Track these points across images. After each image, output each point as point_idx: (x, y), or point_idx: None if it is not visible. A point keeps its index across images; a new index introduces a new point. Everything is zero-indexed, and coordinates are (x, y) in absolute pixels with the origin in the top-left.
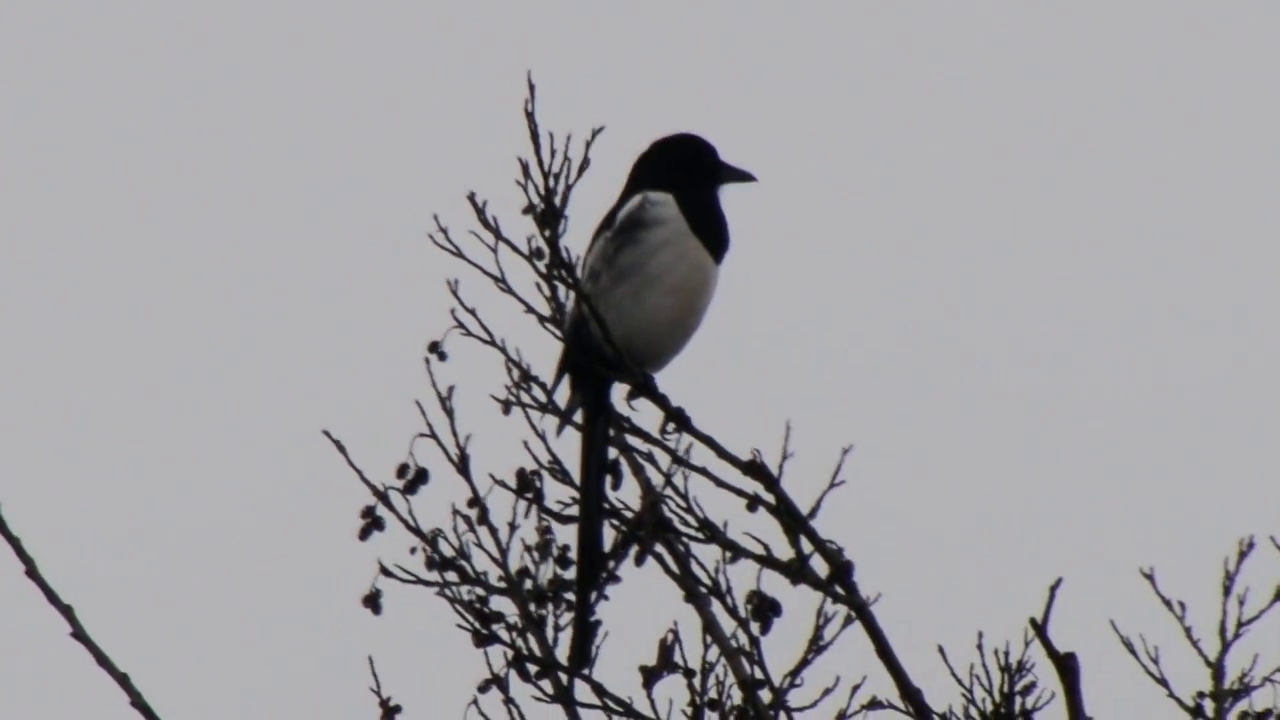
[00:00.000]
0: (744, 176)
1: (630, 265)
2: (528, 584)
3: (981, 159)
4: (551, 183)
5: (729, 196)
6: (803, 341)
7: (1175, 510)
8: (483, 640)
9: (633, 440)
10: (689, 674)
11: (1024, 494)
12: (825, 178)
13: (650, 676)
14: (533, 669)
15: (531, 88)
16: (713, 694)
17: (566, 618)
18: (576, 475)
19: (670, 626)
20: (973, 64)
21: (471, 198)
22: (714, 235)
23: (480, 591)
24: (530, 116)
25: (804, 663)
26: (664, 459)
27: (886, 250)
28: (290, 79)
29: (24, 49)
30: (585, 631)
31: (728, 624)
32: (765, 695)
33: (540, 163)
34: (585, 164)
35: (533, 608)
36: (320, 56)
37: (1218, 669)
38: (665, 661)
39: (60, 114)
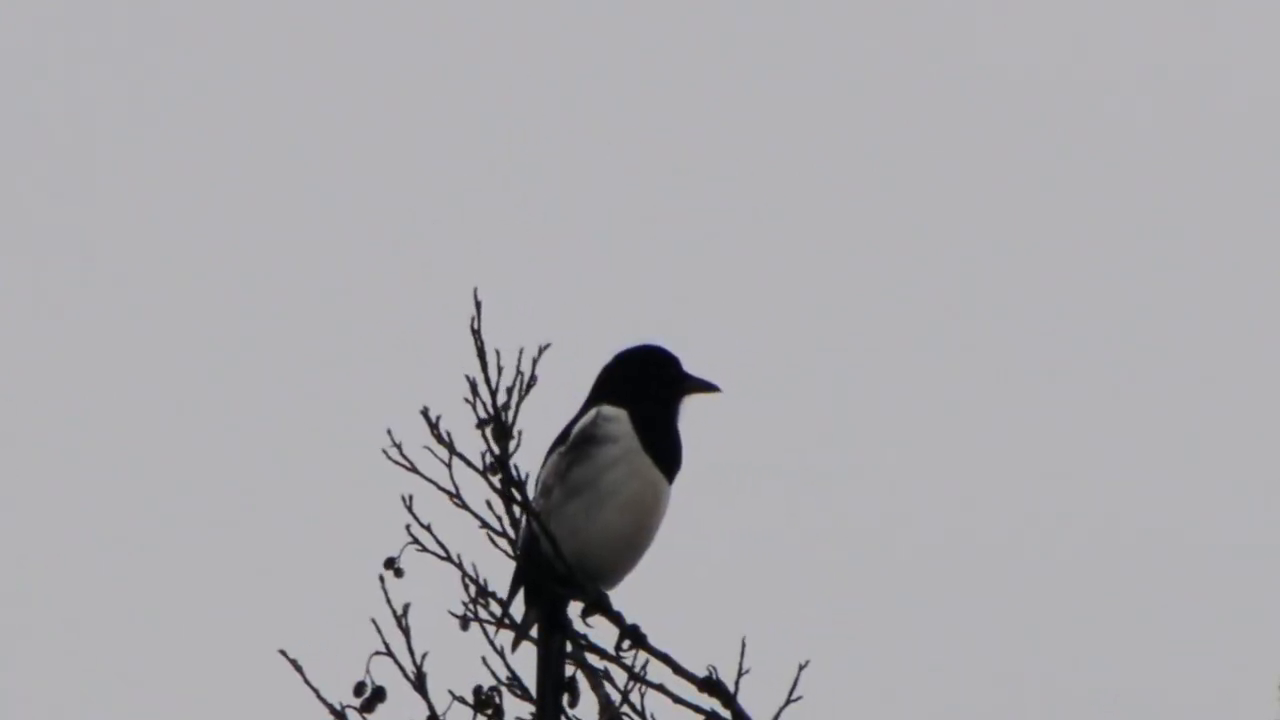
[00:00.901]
0: (707, 387)
1: (582, 481)
2: None
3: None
4: (501, 399)
5: (692, 407)
6: (757, 557)
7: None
8: None
9: (589, 657)
10: None
11: (984, 707)
12: (786, 366)
13: None
14: None
15: (478, 304)
16: None
17: None
18: (534, 691)
19: None
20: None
21: (425, 413)
22: (666, 453)
23: None
24: (476, 334)
25: None
26: (621, 676)
27: (836, 457)
28: (250, 288)
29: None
30: None
31: None
32: None
33: (488, 380)
34: (532, 381)
35: None
36: (277, 263)
37: None
38: None
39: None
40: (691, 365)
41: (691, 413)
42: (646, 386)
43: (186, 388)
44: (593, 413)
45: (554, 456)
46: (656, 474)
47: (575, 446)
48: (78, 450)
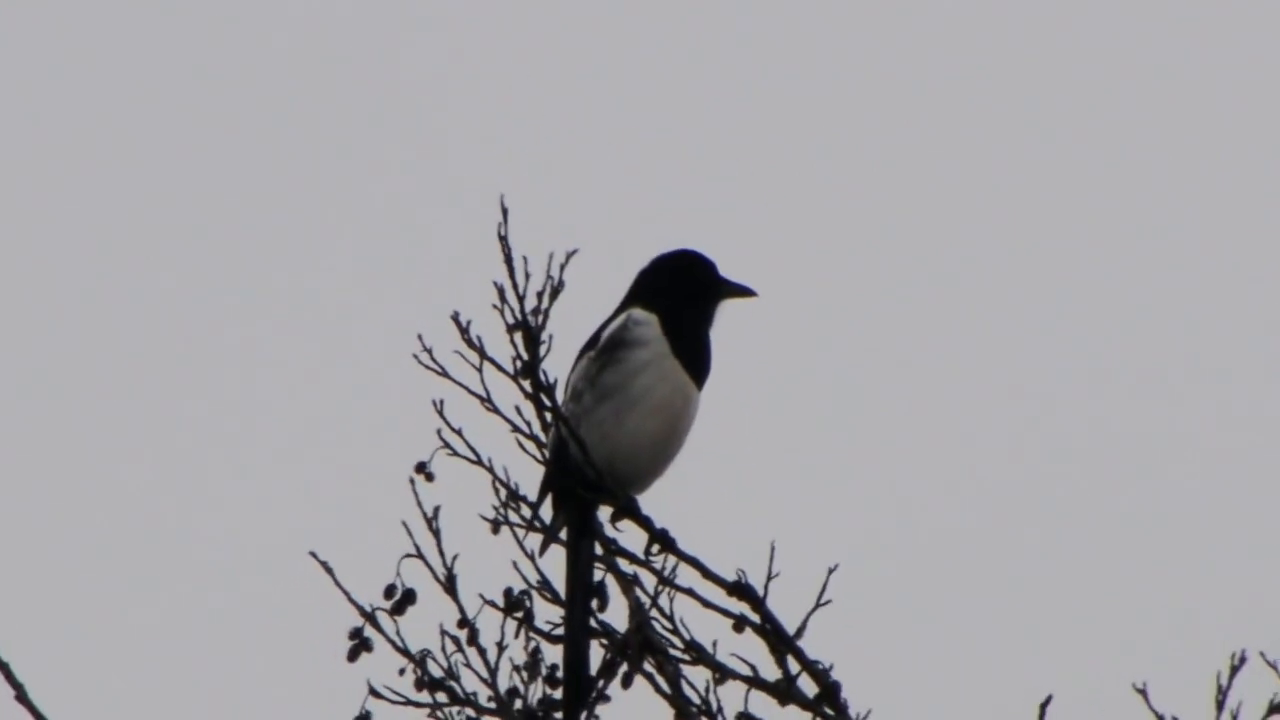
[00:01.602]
0: (743, 291)
1: (612, 386)
2: (517, 704)
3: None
4: (530, 304)
5: (729, 311)
6: (787, 461)
7: (1167, 625)
8: None
9: (619, 561)
10: None
11: (1013, 610)
12: (820, 288)
13: None
14: None
15: (504, 211)
16: None
17: None
18: (564, 595)
19: None
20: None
21: (455, 318)
22: (696, 358)
23: (470, 712)
24: (504, 240)
25: None
26: (650, 580)
27: (870, 370)
28: (278, 197)
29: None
30: None
31: None
32: None
33: (516, 286)
34: (561, 286)
35: None
36: (305, 173)
37: None
38: None
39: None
40: (728, 270)
41: (728, 317)
42: (681, 291)
43: (217, 290)
44: (623, 317)
45: (584, 361)
46: (686, 379)
47: (605, 351)
48: (115, 343)
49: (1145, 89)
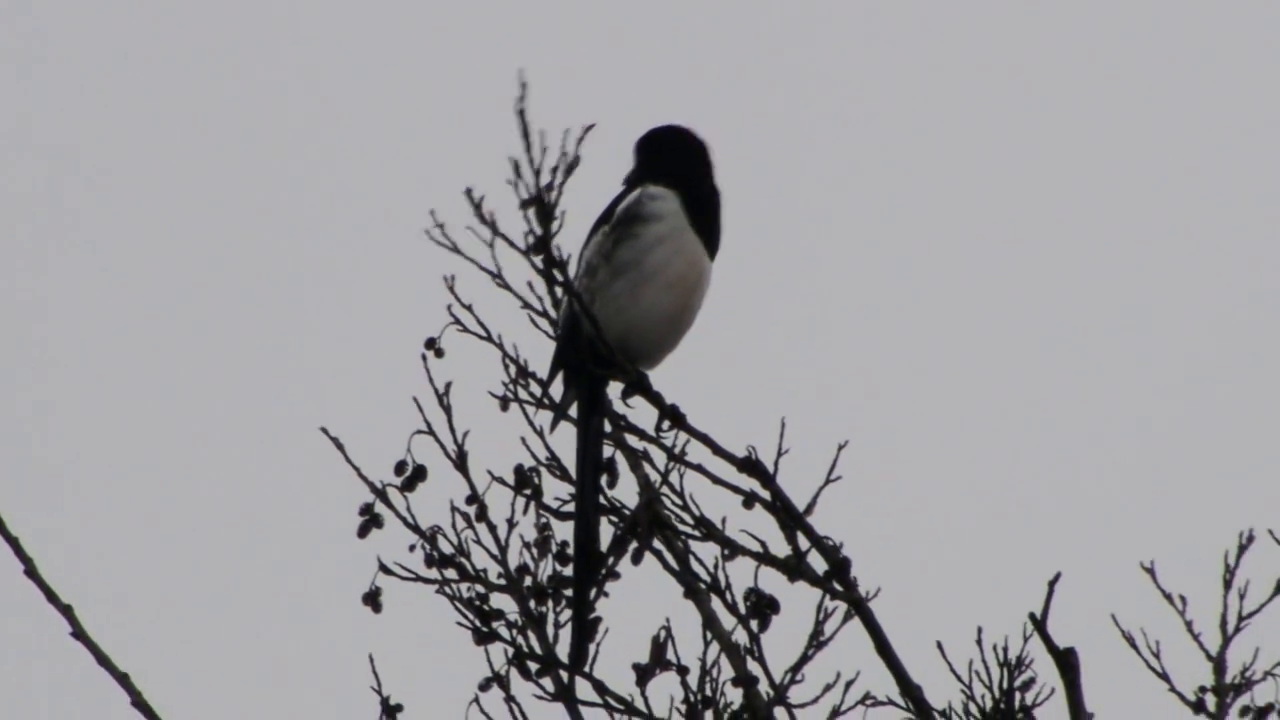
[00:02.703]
0: None
1: (627, 260)
2: (527, 581)
3: (975, 153)
4: (544, 180)
5: (742, 184)
6: (796, 336)
7: (1174, 504)
8: (483, 638)
9: (629, 437)
10: (682, 671)
11: (1022, 488)
12: (821, 174)
13: (643, 674)
14: (534, 667)
15: (523, 85)
16: (708, 692)
17: (567, 615)
18: (574, 472)
19: (663, 623)
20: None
21: (468, 193)
22: (711, 232)
23: (480, 589)
24: (521, 114)
25: (804, 659)
26: (660, 456)
27: (880, 244)
28: (281, 77)
29: (18, 50)
30: (585, 629)
31: (728, 621)
32: (766, 692)
33: (531, 160)
34: (576, 161)
35: (533, 605)
36: (311, 55)
37: (1219, 663)
38: (658, 659)
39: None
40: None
41: (740, 190)
42: (689, 166)
43: (225, 177)
44: (638, 191)
45: (598, 235)
46: (701, 252)
47: (620, 225)
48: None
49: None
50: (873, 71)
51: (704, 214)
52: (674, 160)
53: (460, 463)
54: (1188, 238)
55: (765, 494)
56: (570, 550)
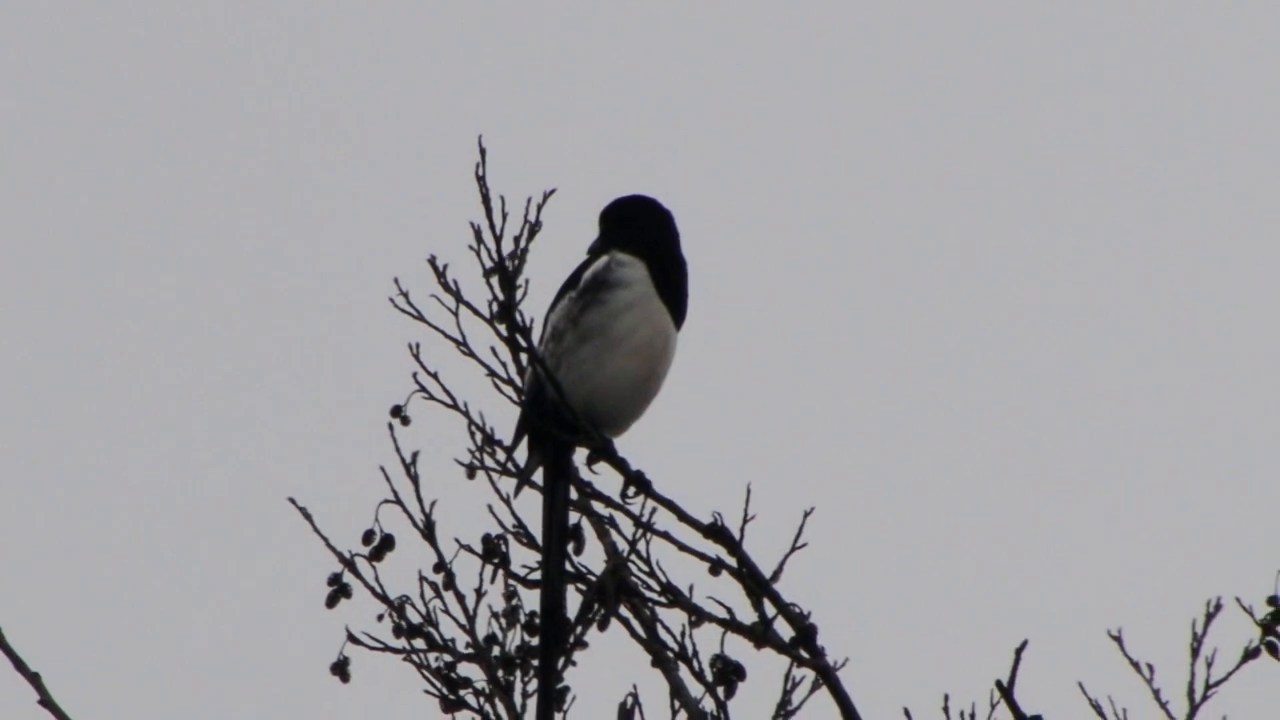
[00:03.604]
0: None
1: (594, 326)
2: (495, 650)
3: (928, 230)
4: (507, 246)
5: (709, 253)
6: (762, 403)
7: (1141, 572)
8: (451, 706)
9: (594, 504)
10: None
11: (988, 556)
12: (785, 238)
13: None
14: None
15: (482, 152)
16: None
17: (534, 684)
18: (540, 539)
19: (630, 691)
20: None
21: (432, 261)
22: (677, 300)
23: (448, 658)
24: (481, 180)
25: None
26: (626, 523)
27: (843, 310)
28: (248, 140)
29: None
30: (552, 698)
31: (695, 688)
32: None
33: (493, 227)
34: (538, 227)
35: (500, 674)
36: (282, 118)
37: None
38: None
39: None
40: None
41: (706, 258)
42: (656, 235)
43: (189, 234)
44: (606, 257)
45: (565, 301)
46: (668, 320)
47: (588, 290)
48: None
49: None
50: (844, 139)
51: (670, 282)
52: (640, 229)
53: (428, 532)
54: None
55: (731, 560)
56: (538, 619)
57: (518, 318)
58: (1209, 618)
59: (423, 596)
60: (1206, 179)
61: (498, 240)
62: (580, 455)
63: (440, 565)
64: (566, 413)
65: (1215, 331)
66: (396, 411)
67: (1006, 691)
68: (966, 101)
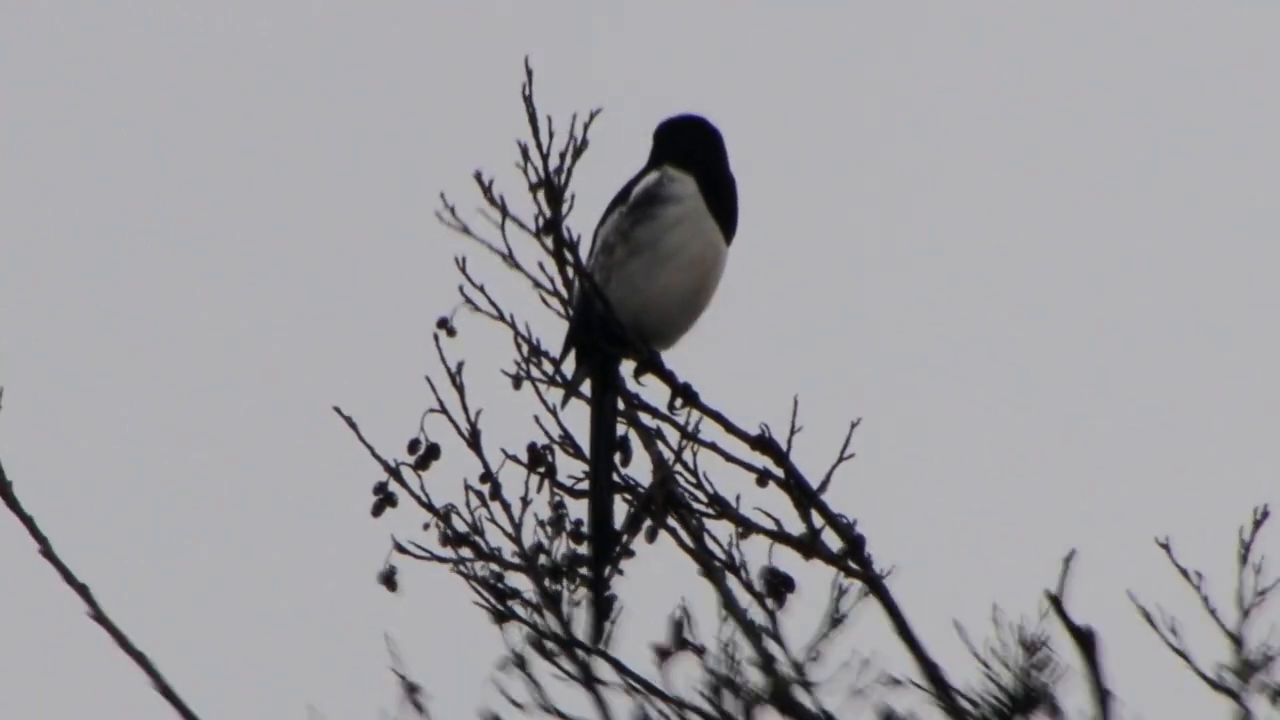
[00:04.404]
0: None
1: (645, 240)
2: (542, 559)
3: (981, 152)
4: (553, 164)
5: (760, 167)
6: (809, 315)
7: (1190, 480)
8: (500, 618)
9: (642, 416)
10: (700, 652)
11: (1037, 465)
12: (836, 162)
13: (663, 654)
14: (552, 647)
15: (529, 72)
16: (729, 670)
17: (582, 593)
18: (588, 450)
19: (680, 603)
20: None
21: (478, 176)
22: (727, 216)
23: (495, 568)
24: (528, 100)
25: (821, 638)
26: (674, 435)
27: (894, 228)
28: (292, 59)
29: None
30: (602, 608)
31: (745, 599)
32: (785, 671)
33: (539, 145)
34: (584, 145)
35: (548, 584)
36: (322, 39)
37: (1238, 640)
38: (678, 639)
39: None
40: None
41: (759, 173)
42: (707, 153)
43: (240, 159)
44: (657, 172)
45: (615, 215)
46: (718, 235)
47: (639, 205)
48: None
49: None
50: (908, 60)
51: (721, 198)
52: (691, 147)
53: (474, 441)
54: (1209, 216)
55: (779, 472)
56: (585, 529)
57: (564, 233)
58: (1256, 525)
59: (469, 506)
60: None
61: (544, 158)
62: (628, 367)
63: (487, 475)
64: (614, 326)
65: (1268, 236)
66: (443, 323)
67: (1056, 601)
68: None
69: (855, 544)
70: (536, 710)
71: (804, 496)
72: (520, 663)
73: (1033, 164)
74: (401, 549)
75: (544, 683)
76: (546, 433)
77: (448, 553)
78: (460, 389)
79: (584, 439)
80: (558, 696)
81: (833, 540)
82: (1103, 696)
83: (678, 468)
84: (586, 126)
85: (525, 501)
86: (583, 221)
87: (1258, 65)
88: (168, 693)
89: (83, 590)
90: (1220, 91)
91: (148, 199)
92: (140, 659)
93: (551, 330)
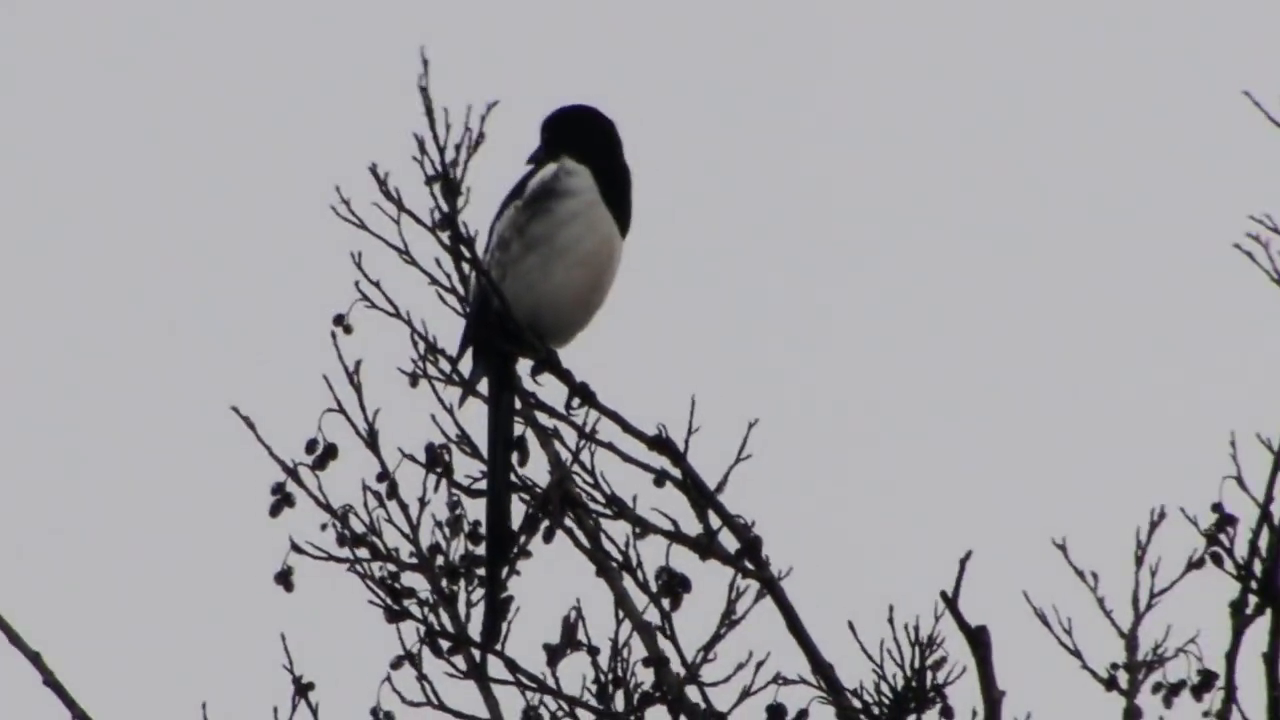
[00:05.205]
0: None
1: (540, 235)
2: (439, 560)
3: (881, 143)
4: (449, 156)
5: (655, 162)
6: (708, 313)
7: (1086, 481)
8: (395, 616)
9: (539, 415)
10: (593, 652)
11: (934, 466)
12: (737, 153)
13: (554, 654)
14: (445, 645)
15: (425, 63)
16: (619, 671)
17: (479, 593)
18: (485, 450)
19: (574, 603)
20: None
21: (373, 169)
22: (623, 209)
23: (392, 568)
24: (424, 91)
25: (716, 638)
26: (571, 434)
27: (793, 224)
28: (186, 51)
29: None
30: (497, 607)
31: (640, 599)
32: (677, 671)
33: (436, 137)
34: (481, 138)
35: (445, 583)
36: (217, 28)
37: (1131, 640)
38: (569, 639)
39: None
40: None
41: (653, 167)
42: (602, 144)
43: (137, 149)
44: (553, 165)
45: (510, 210)
46: (614, 229)
47: (535, 199)
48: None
49: None
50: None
51: (616, 190)
52: (584, 138)
53: (371, 441)
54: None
55: (676, 472)
56: (482, 529)
57: (461, 228)
58: (1153, 526)
59: (366, 506)
60: None
61: (440, 151)
62: (525, 366)
63: (384, 474)
64: (511, 324)
65: (1170, 244)
66: (339, 320)
67: (951, 602)
68: None
69: (752, 545)
70: (429, 708)
71: (701, 497)
72: (414, 660)
73: (934, 156)
74: (299, 549)
75: (436, 681)
76: (444, 432)
77: (345, 552)
78: (358, 388)
79: (482, 438)
80: (451, 695)
81: (730, 541)
82: (995, 696)
83: (575, 468)
84: (484, 119)
85: (423, 502)
86: (480, 216)
87: (1242, 67)
88: (60, 692)
89: None
90: (1182, 94)
91: (29, 193)
92: (34, 658)
93: (449, 327)
